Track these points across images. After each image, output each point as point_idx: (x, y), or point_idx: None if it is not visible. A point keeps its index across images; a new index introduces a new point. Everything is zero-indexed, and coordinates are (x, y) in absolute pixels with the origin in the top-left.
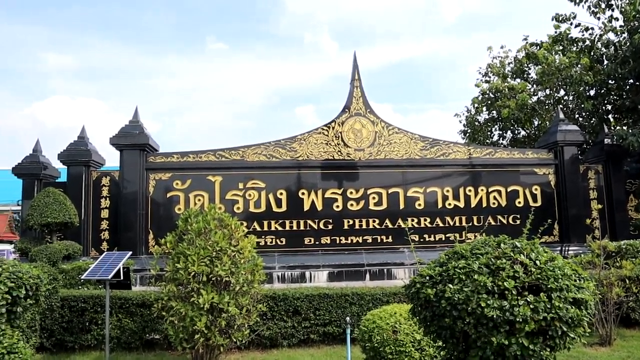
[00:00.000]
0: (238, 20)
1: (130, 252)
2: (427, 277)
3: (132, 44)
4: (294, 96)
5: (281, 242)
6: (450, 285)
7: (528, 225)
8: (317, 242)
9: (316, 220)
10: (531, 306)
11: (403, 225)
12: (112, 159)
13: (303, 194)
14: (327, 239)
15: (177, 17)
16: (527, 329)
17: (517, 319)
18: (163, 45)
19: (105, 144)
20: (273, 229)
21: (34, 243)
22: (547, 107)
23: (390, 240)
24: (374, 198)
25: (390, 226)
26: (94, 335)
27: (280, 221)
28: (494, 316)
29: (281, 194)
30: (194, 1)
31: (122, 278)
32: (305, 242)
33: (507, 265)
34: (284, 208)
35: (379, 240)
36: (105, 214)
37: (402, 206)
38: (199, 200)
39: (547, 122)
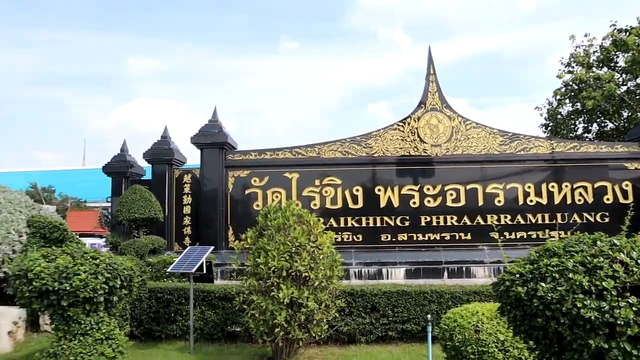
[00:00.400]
0: (310, 19)
1: (213, 247)
2: (517, 275)
3: (210, 47)
4: (367, 93)
5: (358, 238)
6: (543, 284)
7: (627, 222)
8: (393, 239)
9: (393, 217)
10: (634, 308)
11: (490, 223)
12: (192, 157)
13: (379, 190)
14: (403, 236)
15: (252, 19)
16: (630, 333)
17: (618, 322)
18: (239, 47)
19: (185, 144)
20: (349, 225)
21: (122, 237)
22: (637, 97)
23: (468, 237)
24: (451, 194)
25: (469, 223)
26: (178, 325)
27: (357, 218)
28: (592, 318)
29: (357, 190)
30: (267, 3)
31: (204, 272)
32: (382, 239)
33: (606, 264)
34: (360, 204)
35: (457, 238)
36: (187, 210)
37: (480, 203)
38: (277, 196)
39: (639, 114)
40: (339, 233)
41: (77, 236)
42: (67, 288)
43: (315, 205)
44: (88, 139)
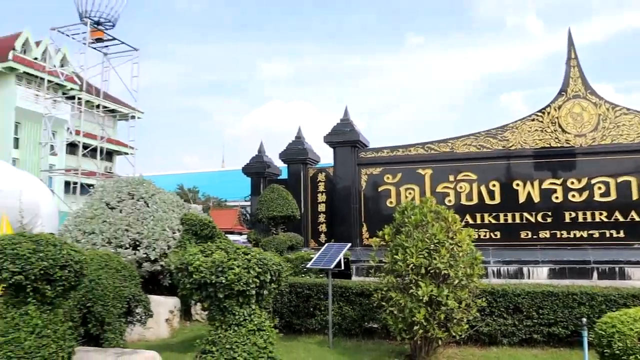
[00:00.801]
0: (436, 12)
1: (350, 244)
2: None
3: (338, 47)
4: (496, 84)
5: (495, 235)
6: None
7: None
8: (534, 236)
9: (533, 213)
10: None
11: None
12: (325, 157)
13: (517, 185)
14: (545, 233)
15: (378, 17)
16: None
17: None
18: (365, 46)
19: (317, 143)
20: (486, 221)
21: (262, 234)
22: None
23: (621, 235)
24: (599, 188)
25: (622, 219)
26: (317, 320)
27: (494, 214)
28: None
29: (494, 185)
30: (393, 0)
31: (342, 268)
32: (522, 236)
33: None
34: (497, 200)
35: (607, 235)
36: (322, 207)
37: (635, 197)
38: (410, 193)
39: None
40: (476, 230)
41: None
42: (223, 281)
43: (449, 201)
44: (226, 142)
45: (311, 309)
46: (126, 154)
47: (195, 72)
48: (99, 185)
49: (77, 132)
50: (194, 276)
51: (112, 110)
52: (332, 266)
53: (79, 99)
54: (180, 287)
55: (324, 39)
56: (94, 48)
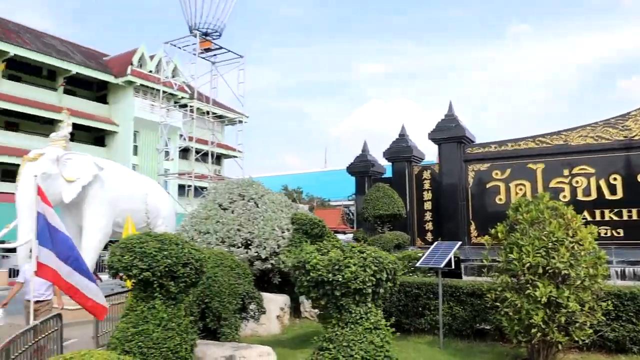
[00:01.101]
0: None
1: (460, 243)
2: None
3: (437, 43)
4: (613, 69)
5: (617, 233)
6: None
7: None
8: None
9: None
10: None
11: None
12: (428, 154)
13: None
14: None
15: (477, 8)
16: None
17: None
18: (466, 39)
19: (420, 141)
20: (607, 218)
21: (368, 233)
22: None
23: None
24: None
25: None
26: (427, 319)
27: (616, 210)
28: None
29: (615, 179)
30: None
31: (452, 267)
32: None
33: None
34: (619, 195)
35: None
36: (428, 206)
37: None
38: (520, 189)
39: None
40: (595, 227)
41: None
42: (340, 279)
43: (564, 197)
44: (328, 142)
45: (420, 309)
46: (234, 157)
47: (296, 75)
48: (212, 187)
49: (190, 138)
50: (311, 274)
51: (220, 116)
52: (442, 265)
53: (191, 107)
54: (297, 284)
55: (422, 35)
56: (203, 58)
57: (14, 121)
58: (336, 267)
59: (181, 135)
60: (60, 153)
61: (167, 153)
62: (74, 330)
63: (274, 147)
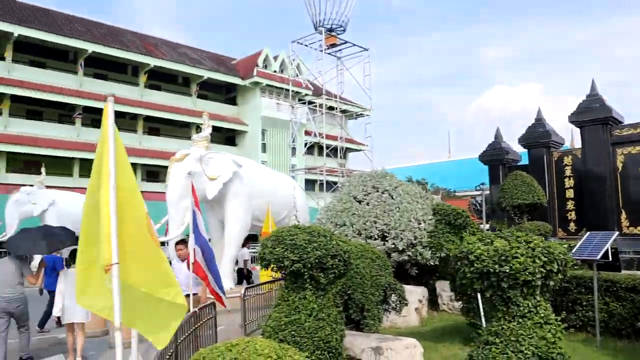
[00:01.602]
0: None
1: (617, 233)
2: None
3: (559, 21)
4: None
5: None
6: None
7: None
8: None
9: None
10: None
11: None
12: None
13: None
14: None
15: None
16: None
17: None
18: (597, 14)
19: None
20: None
21: (502, 223)
22: None
23: None
24: None
25: None
26: (578, 316)
27: None
28: None
29: None
30: None
31: (609, 259)
32: None
33: None
34: None
35: None
36: (569, 194)
37: None
38: None
39: None
40: None
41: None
42: (507, 270)
43: None
44: (451, 131)
45: (569, 304)
46: (359, 150)
47: (417, 65)
48: (345, 180)
49: (309, 134)
50: (475, 265)
51: (344, 111)
52: (598, 257)
53: (318, 104)
54: (459, 276)
55: (546, 14)
56: (329, 53)
57: (156, 126)
58: (502, 257)
59: (307, 132)
60: (203, 153)
61: (293, 149)
62: (220, 319)
63: (397, 138)
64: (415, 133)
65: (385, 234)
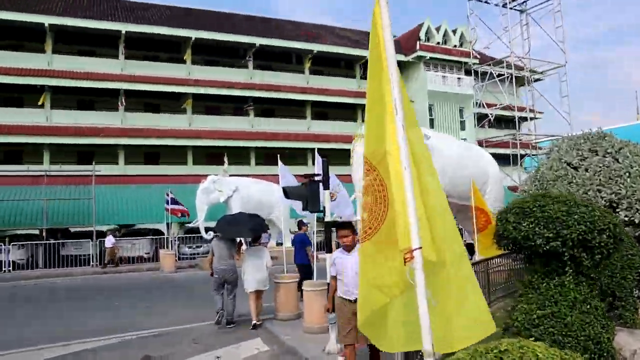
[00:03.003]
0: None
1: None
2: None
3: None
4: None
5: None
6: None
7: None
8: None
9: None
10: None
11: None
12: None
13: None
14: None
15: None
16: None
17: None
18: None
19: None
20: None
21: None
22: None
23: None
24: None
25: None
26: None
27: None
28: None
29: None
30: None
31: None
32: None
33: None
34: None
35: None
36: None
37: None
38: None
39: None
40: None
41: None
42: None
43: None
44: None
45: None
46: (534, 118)
47: (598, 19)
48: (554, 144)
49: (509, 107)
50: None
51: (532, 71)
52: None
53: (492, 72)
54: None
55: None
56: (512, 8)
57: (323, 111)
58: None
59: (476, 103)
60: None
61: (462, 123)
62: None
63: (576, 103)
64: (598, 97)
65: (615, 205)
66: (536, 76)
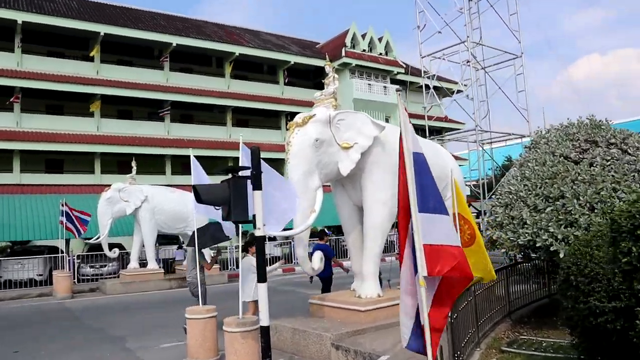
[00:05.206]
0: None
1: None
2: None
3: None
4: None
5: None
6: None
7: None
8: None
9: None
10: None
11: None
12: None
13: None
14: None
15: None
16: None
17: None
18: None
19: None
20: None
21: None
22: None
23: None
24: None
25: None
26: None
27: None
28: None
29: None
30: None
31: None
32: None
33: None
34: None
35: None
36: None
37: None
38: None
39: None
40: None
41: None
42: None
43: None
44: (539, 106)
45: None
46: (455, 130)
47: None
48: (539, 136)
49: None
50: None
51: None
52: None
53: (427, 85)
54: None
55: None
56: None
57: (245, 118)
58: None
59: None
60: (332, 113)
61: None
62: None
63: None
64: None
65: None
66: (456, 87)
